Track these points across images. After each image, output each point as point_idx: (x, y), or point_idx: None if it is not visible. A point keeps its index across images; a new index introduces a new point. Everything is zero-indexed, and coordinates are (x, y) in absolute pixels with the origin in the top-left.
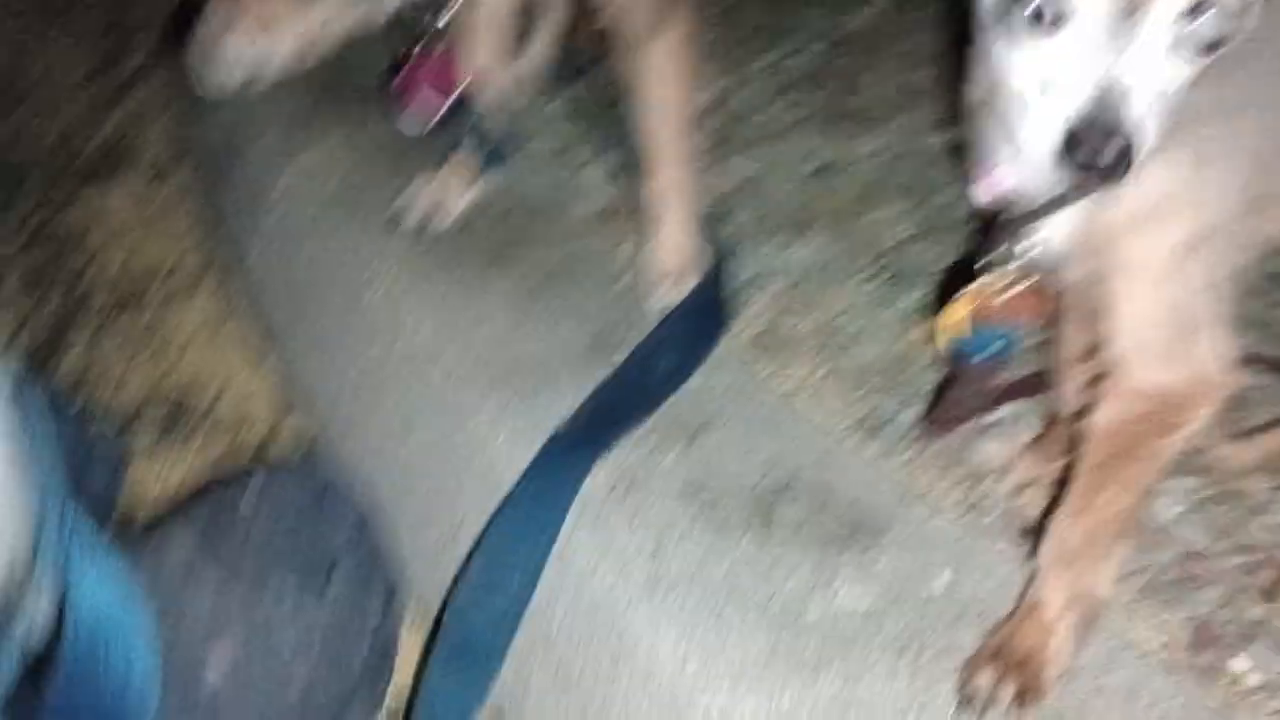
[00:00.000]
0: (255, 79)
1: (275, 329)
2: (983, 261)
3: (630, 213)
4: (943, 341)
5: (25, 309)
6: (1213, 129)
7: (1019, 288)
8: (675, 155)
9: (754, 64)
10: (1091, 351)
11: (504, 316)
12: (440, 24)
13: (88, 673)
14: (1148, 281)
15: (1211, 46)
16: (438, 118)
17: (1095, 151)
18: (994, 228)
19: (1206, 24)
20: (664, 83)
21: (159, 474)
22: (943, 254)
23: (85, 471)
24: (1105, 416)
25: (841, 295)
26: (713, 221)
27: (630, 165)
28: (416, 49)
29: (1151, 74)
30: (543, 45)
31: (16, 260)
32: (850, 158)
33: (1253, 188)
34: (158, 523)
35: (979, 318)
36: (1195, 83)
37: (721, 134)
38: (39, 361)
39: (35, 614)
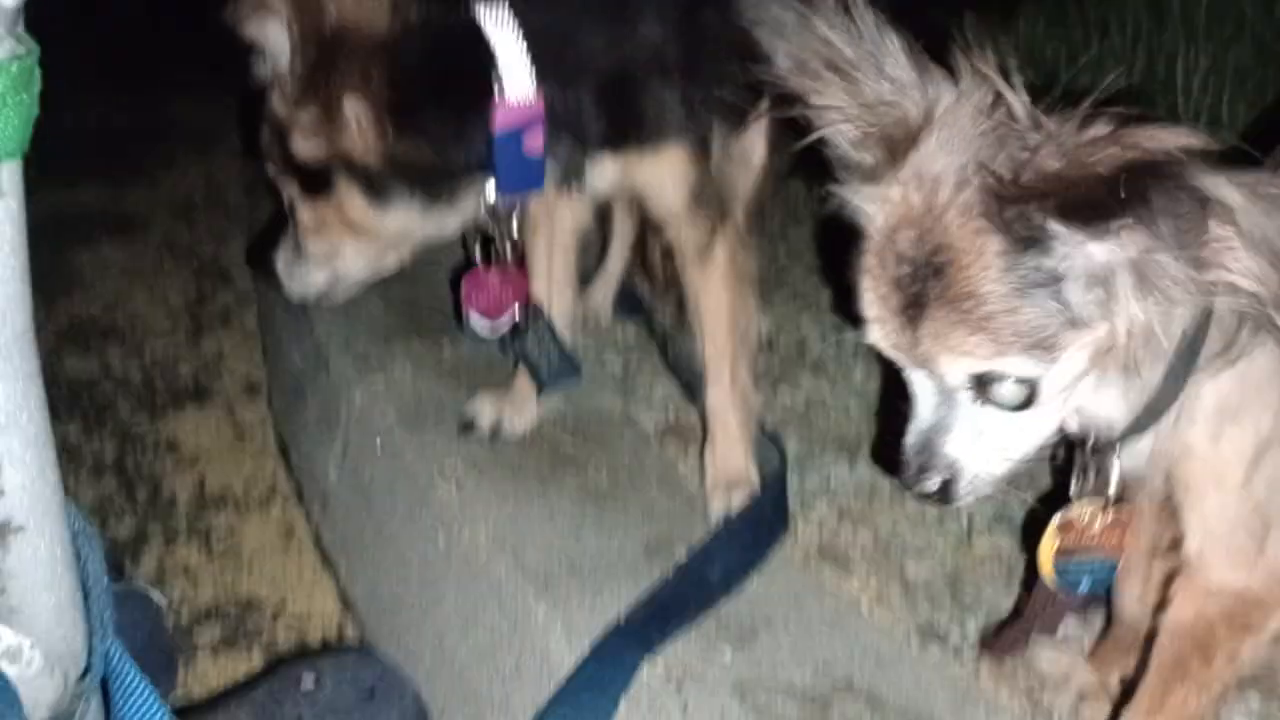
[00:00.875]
0: (334, 292)
1: (343, 536)
2: (1074, 490)
3: (693, 430)
4: (1046, 574)
5: (111, 509)
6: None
7: (1104, 519)
8: (731, 369)
9: (820, 298)
10: (1160, 550)
11: (567, 518)
12: (510, 237)
13: None
14: (1222, 485)
15: (1025, 404)
16: (503, 330)
17: (910, 480)
18: (1076, 459)
19: (1004, 391)
20: (718, 299)
21: (221, 669)
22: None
23: (141, 653)
24: (1179, 614)
25: (900, 510)
26: (773, 436)
27: (695, 386)
28: (484, 260)
29: (970, 424)
30: (613, 271)
31: (103, 470)
32: None
33: None
34: (216, 701)
35: (1065, 552)
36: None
37: (785, 358)
38: (118, 558)
39: None
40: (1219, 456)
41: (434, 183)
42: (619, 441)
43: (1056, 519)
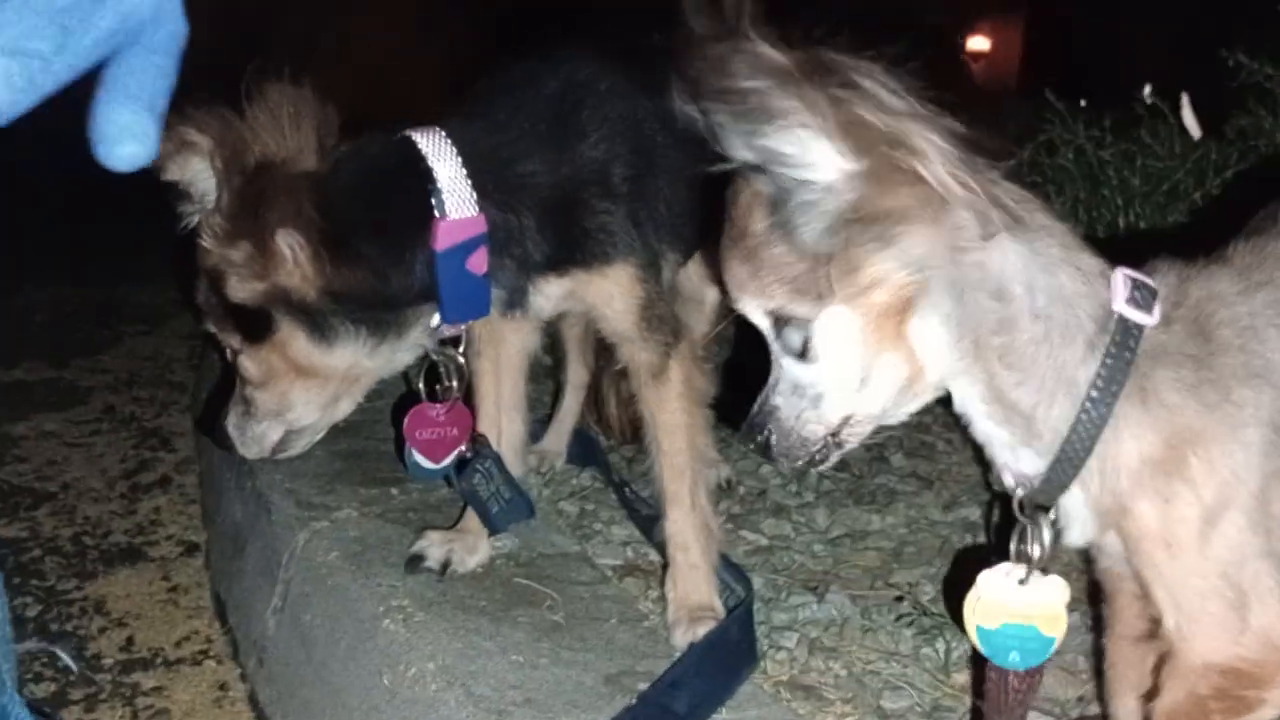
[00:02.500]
0: (289, 445)
1: (281, 691)
2: (1012, 551)
3: (654, 570)
4: (970, 636)
5: (29, 670)
6: (1205, 402)
7: (1038, 585)
8: (691, 492)
9: None
10: (1146, 635)
11: (521, 651)
12: (456, 368)
13: None
14: (1175, 552)
15: (802, 353)
16: (448, 467)
17: (742, 434)
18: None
19: (789, 336)
20: (674, 419)
21: None
22: None
23: None
24: (1170, 699)
25: (874, 643)
26: (738, 566)
27: (654, 527)
28: (429, 393)
29: (786, 377)
30: (566, 417)
31: (23, 630)
32: (870, 529)
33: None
34: None
35: (992, 617)
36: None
37: (747, 504)
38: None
39: None
40: (1163, 520)
41: (379, 314)
42: (576, 579)
43: (981, 578)
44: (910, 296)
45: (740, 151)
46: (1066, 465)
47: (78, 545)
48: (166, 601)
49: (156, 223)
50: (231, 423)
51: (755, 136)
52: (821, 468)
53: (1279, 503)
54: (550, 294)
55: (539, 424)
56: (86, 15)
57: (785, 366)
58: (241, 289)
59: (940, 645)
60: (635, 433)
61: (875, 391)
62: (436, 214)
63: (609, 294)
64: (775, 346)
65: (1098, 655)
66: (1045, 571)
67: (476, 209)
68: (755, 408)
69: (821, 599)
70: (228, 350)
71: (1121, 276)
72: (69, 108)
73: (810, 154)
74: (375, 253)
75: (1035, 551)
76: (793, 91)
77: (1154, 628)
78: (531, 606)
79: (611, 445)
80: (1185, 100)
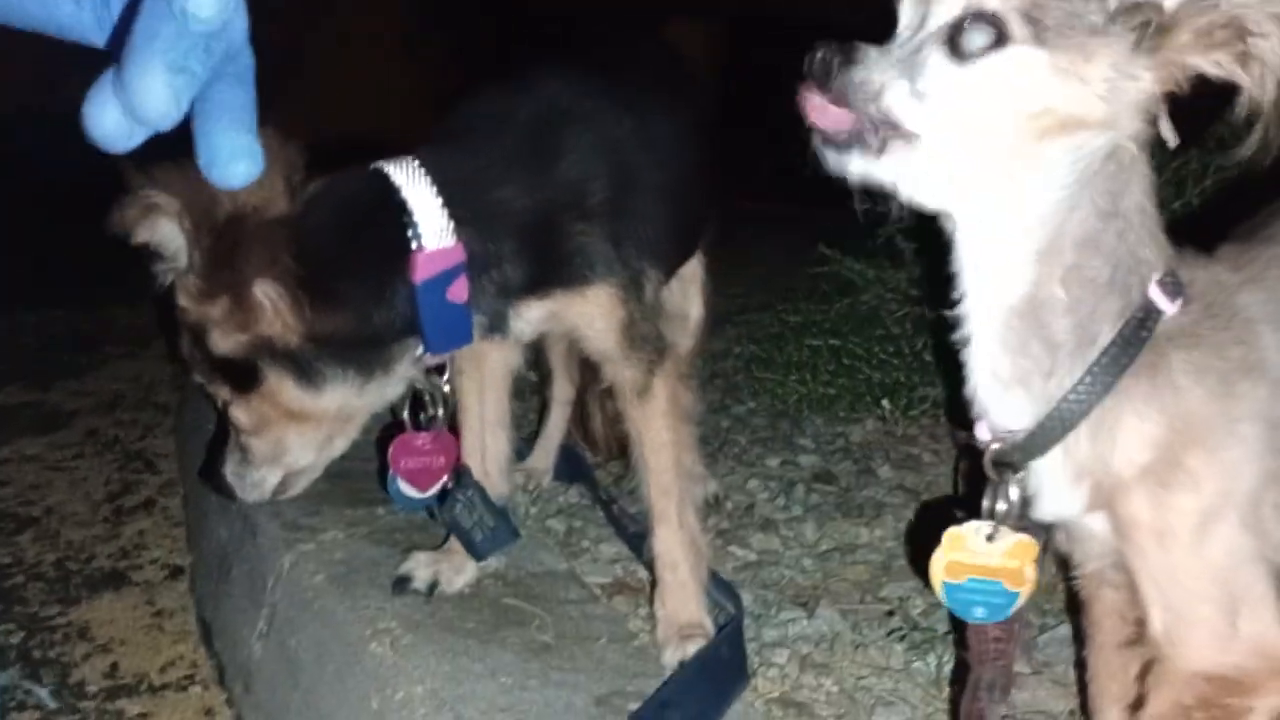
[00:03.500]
0: (289, 487)
1: (267, 715)
2: (984, 507)
3: (643, 587)
4: (936, 588)
5: (12, 698)
6: (1212, 392)
7: (1005, 544)
8: (678, 510)
9: (765, 463)
10: (1130, 641)
11: (510, 673)
12: (441, 396)
13: None
14: (1166, 543)
15: (967, 53)
16: (431, 494)
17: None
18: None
19: (972, 31)
20: (660, 437)
21: None
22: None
23: None
24: (1156, 709)
25: (864, 659)
26: (727, 583)
27: (642, 544)
28: (414, 421)
29: (903, 55)
30: (552, 434)
31: (5, 658)
32: (859, 543)
33: (1275, 459)
34: None
35: (957, 571)
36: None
37: (735, 519)
38: None
39: None
40: (1160, 509)
41: (364, 352)
42: (564, 598)
43: (947, 534)
44: (1087, 122)
45: None
46: (1056, 423)
47: (61, 570)
48: (151, 626)
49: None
50: (230, 470)
51: None
52: (833, 160)
53: (1268, 504)
54: (530, 317)
55: (525, 441)
56: (217, 40)
57: (924, 44)
58: (225, 343)
59: (932, 660)
60: (621, 448)
61: (963, 145)
62: (414, 246)
63: (590, 315)
64: (931, 29)
65: (1080, 667)
66: (1014, 529)
67: (454, 238)
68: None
69: (812, 614)
70: (217, 401)
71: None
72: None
73: None
74: (355, 292)
75: (1001, 507)
76: None
77: (1138, 631)
78: (520, 627)
79: (598, 461)
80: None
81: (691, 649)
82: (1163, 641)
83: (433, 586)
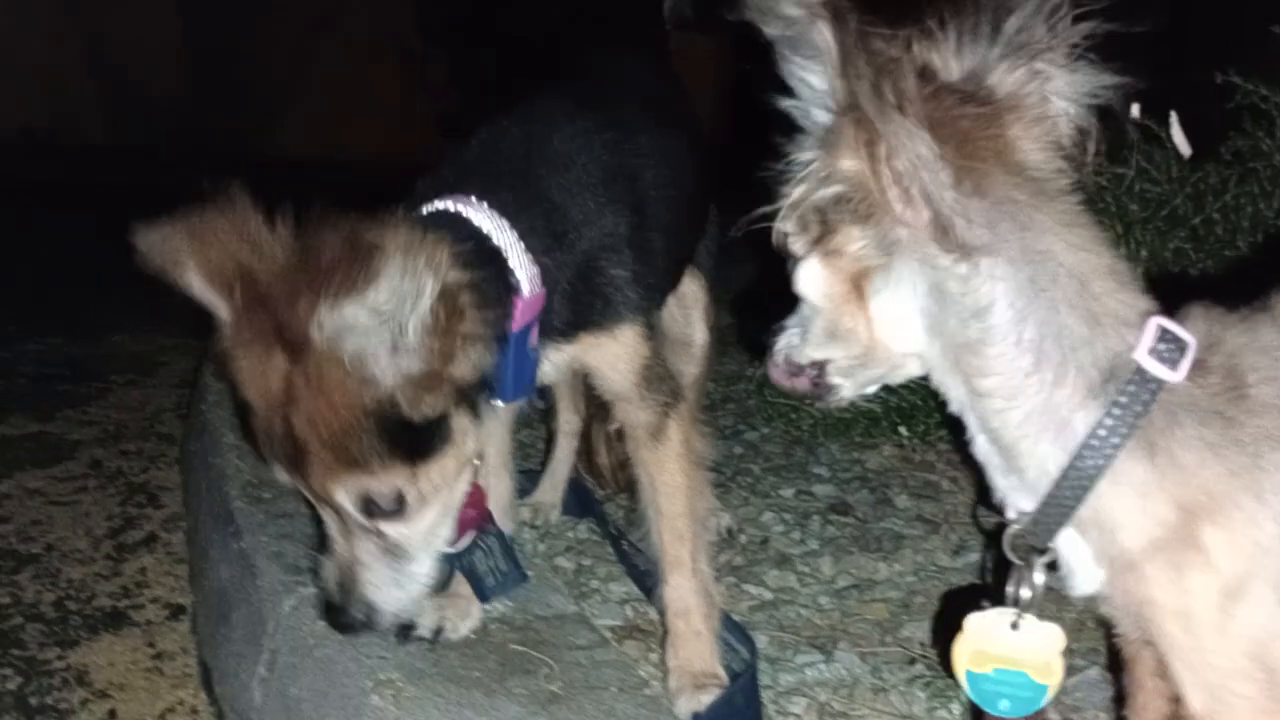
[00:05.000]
0: None
1: None
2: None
3: (654, 629)
4: (959, 678)
5: None
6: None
7: (1032, 632)
8: (691, 556)
9: (780, 493)
10: (1173, 716)
11: None
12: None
13: None
14: (1191, 627)
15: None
16: (464, 545)
17: None
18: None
19: (791, 267)
20: (674, 481)
21: None
22: None
23: None
24: None
25: (884, 705)
26: (741, 628)
27: (653, 582)
28: None
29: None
30: (560, 469)
31: (2, 705)
32: (877, 578)
33: None
34: None
35: (982, 660)
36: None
37: (749, 552)
38: None
39: None
40: (1176, 591)
41: (475, 396)
42: (573, 643)
43: (969, 621)
44: (871, 272)
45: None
46: (1054, 510)
47: (60, 610)
48: (151, 670)
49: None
50: (372, 590)
51: (791, 59)
52: (817, 404)
53: None
54: (557, 361)
55: (531, 474)
56: None
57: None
58: (423, 404)
59: (956, 708)
60: (629, 482)
61: (841, 348)
62: (518, 292)
63: (615, 355)
64: None
65: None
66: (1040, 616)
67: (541, 285)
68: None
69: (830, 657)
70: (356, 508)
71: (1154, 325)
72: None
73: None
74: (488, 332)
75: (1025, 594)
76: (831, 32)
77: (1175, 710)
78: (527, 675)
79: (605, 495)
80: (1174, 119)
81: (705, 700)
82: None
83: (438, 633)
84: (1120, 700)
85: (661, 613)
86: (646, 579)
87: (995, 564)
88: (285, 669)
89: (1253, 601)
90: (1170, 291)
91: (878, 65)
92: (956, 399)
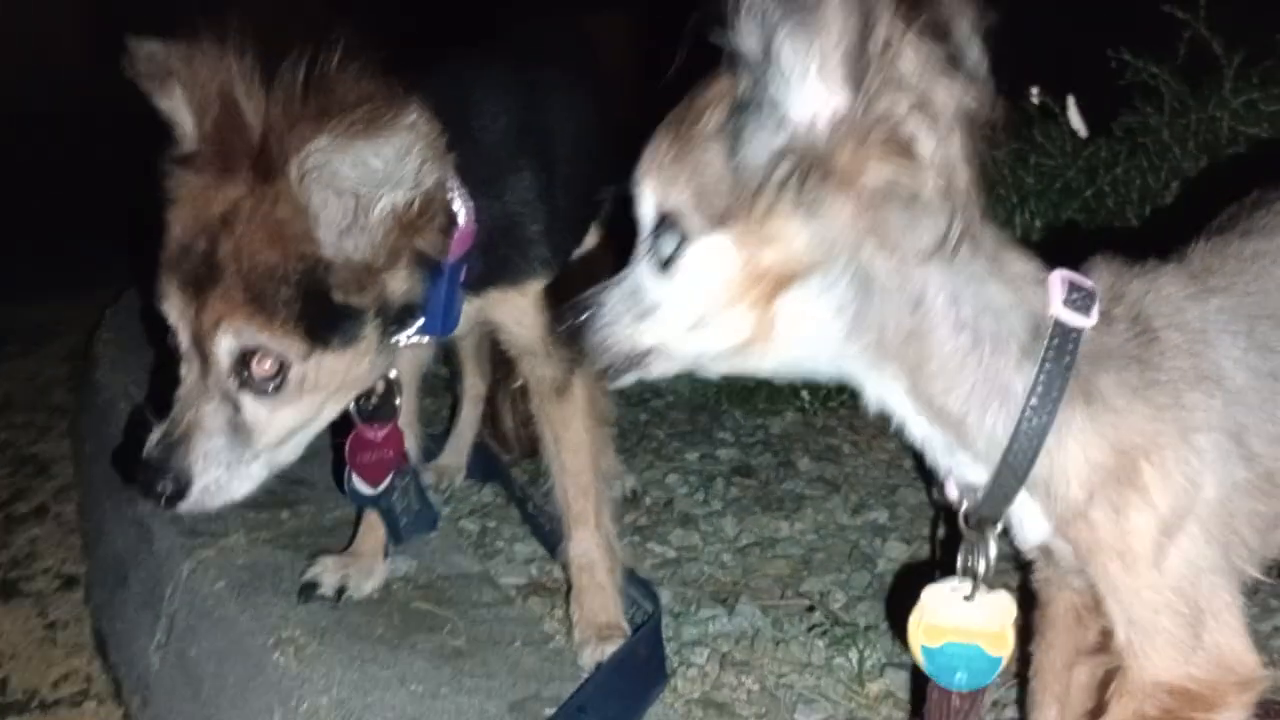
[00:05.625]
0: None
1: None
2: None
3: (558, 587)
4: (914, 654)
5: None
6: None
7: (984, 603)
8: (595, 511)
9: (684, 457)
10: (1082, 655)
11: (421, 680)
12: (394, 399)
13: None
14: (1129, 564)
15: (664, 264)
16: (382, 488)
17: None
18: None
19: (662, 242)
20: (578, 436)
21: None
22: (880, 617)
23: None
24: (1121, 718)
25: (785, 655)
26: (644, 581)
27: (557, 540)
28: (361, 417)
29: (632, 278)
30: (464, 432)
31: None
32: (779, 536)
33: (1245, 468)
34: None
35: (936, 634)
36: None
37: (654, 514)
38: None
39: None
40: (1117, 531)
41: (401, 315)
42: (478, 600)
43: (925, 595)
44: (800, 271)
45: (747, 33)
46: (1009, 476)
47: None
48: (44, 640)
49: (41, 239)
50: (199, 463)
51: (773, 19)
52: (612, 383)
53: (1241, 515)
54: (467, 313)
55: (437, 439)
56: None
57: (637, 271)
58: (349, 292)
59: (853, 655)
60: (533, 447)
61: (702, 338)
62: (456, 223)
63: (523, 310)
64: (642, 245)
65: (1022, 661)
66: (991, 587)
67: (474, 222)
68: (588, 293)
69: (732, 611)
70: (222, 363)
71: (1059, 279)
72: None
73: (804, 72)
74: (430, 258)
75: (981, 567)
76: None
77: (1103, 641)
78: (431, 632)
79: (511, 460)
80: (1071, 101)
81: (609, 650)
82: (1126, 653)
83: (340, 592)
84: (1025, 636)
85: (566, 568)
86: (551, 538)
87: (943, 538)
88: (183, 632)
89: (1185, 538)
90: (1067, 253)
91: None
92: (890, 392)
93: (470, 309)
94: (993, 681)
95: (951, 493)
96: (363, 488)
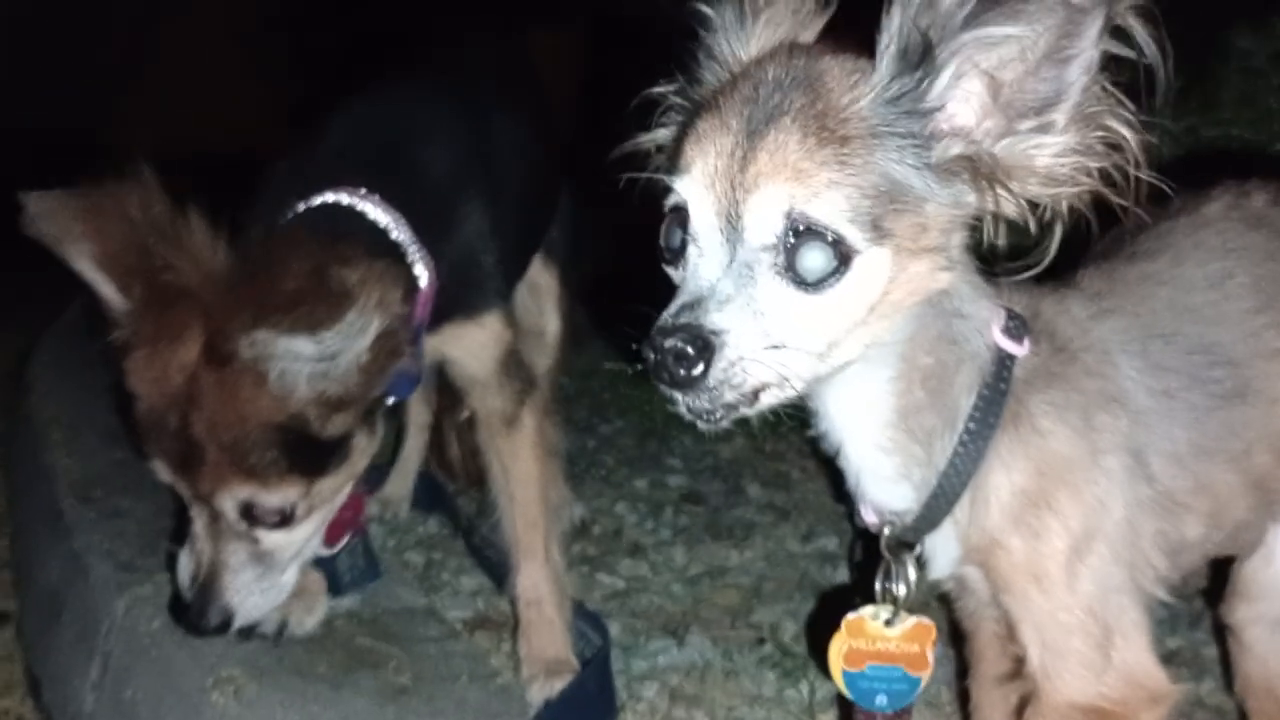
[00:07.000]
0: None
1: None
2: (877, 591)
3: (505, 621)
4: (836, 680)
5: None
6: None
7: (902, 626)
8: (544, 545)
9: (633, 484)
10: (1010, 675)
11: (366, 717)
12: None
13: None
14: (1043, 585)
15: (815, 282)
16: (339, 548)
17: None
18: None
19: (805, 254)
20: (527, 469)
21: None
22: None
23: None
24: None
25: (735, 688)
26: (593, 615)
27: (504, 573)
28: None
29: (756, 295)
30: (410, 463)
31: None
32: (728, 565)
33: (1147, 486)
34: None
35: (857, 659)
36: (1071, 375)
37: (603, 544)
38: None
39: None
40: (1032, 554)
41: (378, 408)
42: (423, 635)
43: (846, 619)
44: (928, 281)
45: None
46: (942, 500)
47: None
48: None
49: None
50: (236, 596)
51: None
52: (711, 426)
53: (1146, 536)
54: (423, 351)
55: (381, 469)
56: None
57: (762, 284)
58: (334, 422)
59: (804, 686)
60: (480, 476)
61: (830, 359)
62: (417, 287)
63: (480, 343)
64: (764, 256)
65: (962, 697)
66: (910, 611)
67: (435, 277)
68: (676, 317)
69: (682, 643)
70: (233, 514)
71: (1000, 308)
72: None
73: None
74: (407, 349)
75: (901, 590)
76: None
77: (1017, 667)
78: (375, 669)
79: (456, 489)
80: None
81: (557, 686)
82: (1040, 676)
83: (281, 629)
84: (963, 673)
85: (513, 602)
86: (498, 570)
87: (860, 560)
88: (119, 671)
89: (1094, 557)
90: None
91: None
92: (873, 412)
93: (427, 347)
94: (913, 702)
95: (869, 518)
96: (320, 550)
